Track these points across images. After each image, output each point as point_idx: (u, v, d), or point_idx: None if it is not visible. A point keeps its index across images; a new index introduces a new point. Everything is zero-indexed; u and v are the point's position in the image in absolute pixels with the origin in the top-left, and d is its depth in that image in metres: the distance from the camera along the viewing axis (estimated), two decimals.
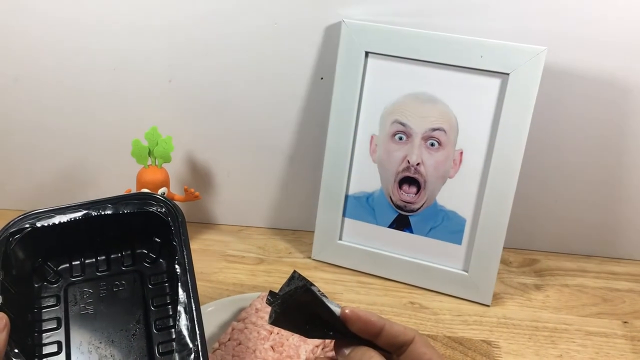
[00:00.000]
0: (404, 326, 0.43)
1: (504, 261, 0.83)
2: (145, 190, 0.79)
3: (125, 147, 0.80)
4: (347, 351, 0.42)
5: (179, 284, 0.52)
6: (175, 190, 0.86)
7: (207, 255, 0.85)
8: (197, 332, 0.49)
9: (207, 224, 0.94)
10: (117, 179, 0.88)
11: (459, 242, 0.77)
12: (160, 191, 0.79)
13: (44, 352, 0.53)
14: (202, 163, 0.89)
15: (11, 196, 0.94)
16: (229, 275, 0.81)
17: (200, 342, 0.49)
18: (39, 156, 0.91)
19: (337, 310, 0.42)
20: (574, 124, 0.80)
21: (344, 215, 0.82)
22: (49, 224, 0.55)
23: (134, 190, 0.81)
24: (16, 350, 0.48)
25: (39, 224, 0.55)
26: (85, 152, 0.90)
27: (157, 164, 0.80)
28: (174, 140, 0.80)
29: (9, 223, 0.55)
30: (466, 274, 0.77)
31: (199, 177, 0.90)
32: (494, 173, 0.73)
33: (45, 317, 0.55)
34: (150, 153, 0.79)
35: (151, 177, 0.79)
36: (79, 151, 0.90)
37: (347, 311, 0.42)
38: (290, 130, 0.86)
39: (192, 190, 0.83)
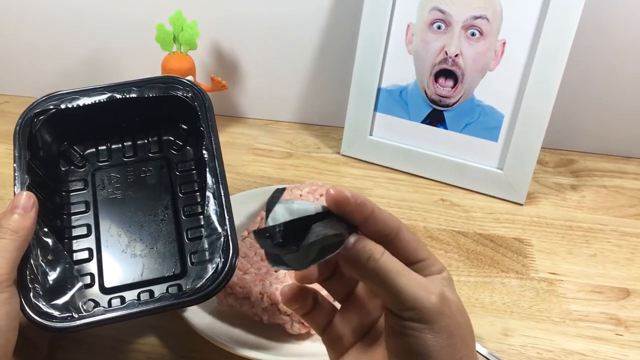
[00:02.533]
0: (389, 212, 0.36)
1: (539, 161, 0.79)
2: None
3: (150, 32, 0.76)
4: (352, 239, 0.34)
5: (207, 169, 0.51)
6: (201, 80, 0.83)
7: (234, 148, 0.84)
8: (226, 216, 0.48)
9: (234, 117, 0.92)
10: (142, 67, 0.85)
11: (495, 139, 0.74)
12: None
13: (73, 234, 0.52)
14: (228, 52, 0.86)
15: (35, 84, 0.92)
16: (257, 168, 0.80)
17: (230, 226, 0.48)
18: (62, 43, 0.88)
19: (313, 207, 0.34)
20: (627, 17, 0.74)
21: (375, 109, 0.79)
22: (73, 106, 0.54)
23: None
24: (45, 230, 0.47)
25: (63, 106, 0.54)
26: (109, 38, 0.87)
27: (182, 50, 0.77)
28: (199, 27, 0.77)
29: (33, 104, 0.53)
30: (501, 172, 0.74)
31: (226, 67, 0.87)
32: (537, 66, 0.69)
33: (73, 200, 0.55)
34: (175, 39, 0.76)
35: (176, 64, 0.77)
36: (103, 37, 0.87)
37: (332, 191, 0.34)
38: (321, 18, 0.81)
39: (219, 79, 0.80)
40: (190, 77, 0.77)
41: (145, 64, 0.84)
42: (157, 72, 0.79)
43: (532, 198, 0.75)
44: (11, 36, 0.89)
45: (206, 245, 0.48)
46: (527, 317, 0.58)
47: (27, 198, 0.45)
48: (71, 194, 0.55)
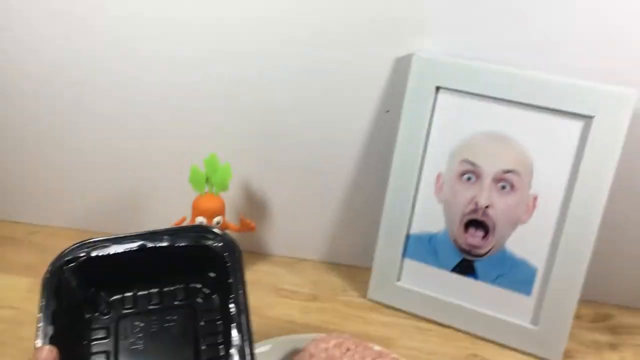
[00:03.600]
0: None
1: (575, 315, 0.77)
2: (200, 218, 0.77)
3: (183, 171, 0.78)
4: None
5: (234, 324, 0.50)
6: (230, 219, 0.84)
7: (257, 288, 0.82)
8: None
9: (259, 253, 0.91)
10: (173, 204, 0.86)
11: (529, 293, 0.72)
12: (215, 220, 0.77)
13: None
14: (258, 191, 0.87)
15: (66, 215, 0.93)
16: (280, 311, 0.78)
17: None
18: (96, 177, 0.90)
19: None
20: None
21: (404, 255, 0.78)
22: (104, 254, 0.54)
23: (188, 218, 0.79)
24: None
25: (94, 254, 0.54)
26: (143, 175, 0.89)
27: (214, 191, 0.78)
28: (231, 166, 0.78)
29: (64, 251, 0.53)
30: (535, 327, 0.71)
31: (254, 205, 0.88)
32: (571, 222, 0.68)
33: (94, 350, 0.53)
34: (207, 180, 0.78)
35: (207, 204, 0.77)
36: (136, 174, 0.89)
37: None
38: (351, 163, 0.83)
39: (248, 221, 0.80)
40: (219, 218, 0.77)
41: (176, 201, 0.84)
42: (188, 210, 0.80)
43: (568, 357, 0.71)
44: (44, 167, 0.91)
45: None
46: None
47: (48, 353, 0.45)
48: (92, 343, 0.54)
